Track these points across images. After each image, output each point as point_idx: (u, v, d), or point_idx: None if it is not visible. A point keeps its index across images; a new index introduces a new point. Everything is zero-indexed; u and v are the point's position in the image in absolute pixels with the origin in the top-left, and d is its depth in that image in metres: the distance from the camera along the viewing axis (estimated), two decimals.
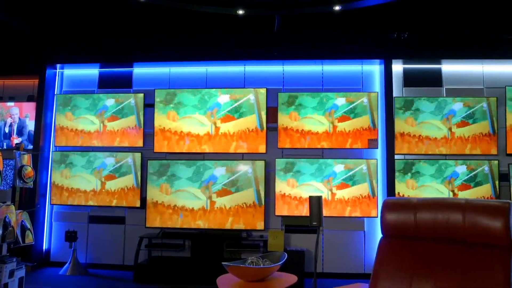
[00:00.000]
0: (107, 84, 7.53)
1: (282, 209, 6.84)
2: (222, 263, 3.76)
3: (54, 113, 7.50)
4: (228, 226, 6.86)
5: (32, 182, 5.31)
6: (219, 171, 6.95)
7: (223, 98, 7.07)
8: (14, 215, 4.59)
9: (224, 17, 6.50)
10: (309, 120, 6.93)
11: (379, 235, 5.02)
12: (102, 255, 7.17)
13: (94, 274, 6.81)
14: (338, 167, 6.82)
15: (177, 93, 7.16)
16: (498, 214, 2.65)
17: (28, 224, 4.83)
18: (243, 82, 7.29)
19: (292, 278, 4.01)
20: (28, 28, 7.13)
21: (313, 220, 5.79)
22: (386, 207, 3.13)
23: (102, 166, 7.18)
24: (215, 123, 7.05)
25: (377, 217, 6.66)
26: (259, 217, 6.82)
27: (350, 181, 6.78)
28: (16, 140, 7.49)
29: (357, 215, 6.76)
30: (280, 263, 3.94)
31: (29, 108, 7.55)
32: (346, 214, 6.75)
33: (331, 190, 6.79)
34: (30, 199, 7.05)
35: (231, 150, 7.01)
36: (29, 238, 4.77)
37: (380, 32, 6.87)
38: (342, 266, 6.83)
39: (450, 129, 6.76)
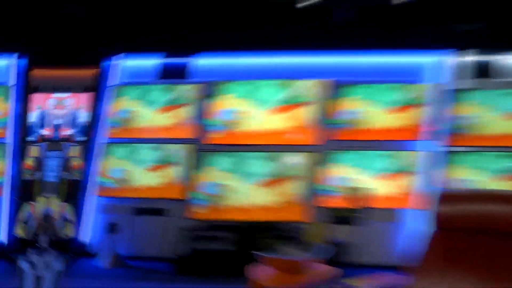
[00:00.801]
0: (165, 75, 7.54)
1: (326, 201, 6.71)
2: (255, 252, 3.67)
3: (108, 104, 7.58)
4: (272, 218, 6.75)
5: (79, 174, 5.37)
6: (266, 162, 6.90)
7: (279, 89, 7.07)
8: (57, 207, 4.67)
9: (283, 8, 6.52)
10: (364, 112, 6.84)
11: (419, 227, 4.88)
12: (143, 247, 7.16)
13: (135, 266, 6.81)
14: (386, 158, 6.66)
15: (234, 84, 7.19)
16: None
17: (70, 216, 4.90)
18: (300, 74, 7.16)
19: (332, 270, 3.88)
20: (88, 18, 7.21)
21: (356, 211, 5.73)
22: (441, 199, 3.01)
23: (150, 157, 7.22)
24: (267, 114, 7.04)
25: (419, 209, 6.37)
26: (304, 209, 6.72)
27: (396, 173, 6.59)
28: (67, 131, 7.55)
29: (400, 207, 6.56)
30: (319, 255, 3.84)
31: (84, 100, 7.60)
32: (389, 206, 6.54)
33: (376, 181, 6.59)
34: (76, 191, 7.14)
35: (281, 142, 6.99)
36: (70, 231, 4.83)
37: (447, 22, 6.66)
38: (380, 257, 6.53)
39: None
